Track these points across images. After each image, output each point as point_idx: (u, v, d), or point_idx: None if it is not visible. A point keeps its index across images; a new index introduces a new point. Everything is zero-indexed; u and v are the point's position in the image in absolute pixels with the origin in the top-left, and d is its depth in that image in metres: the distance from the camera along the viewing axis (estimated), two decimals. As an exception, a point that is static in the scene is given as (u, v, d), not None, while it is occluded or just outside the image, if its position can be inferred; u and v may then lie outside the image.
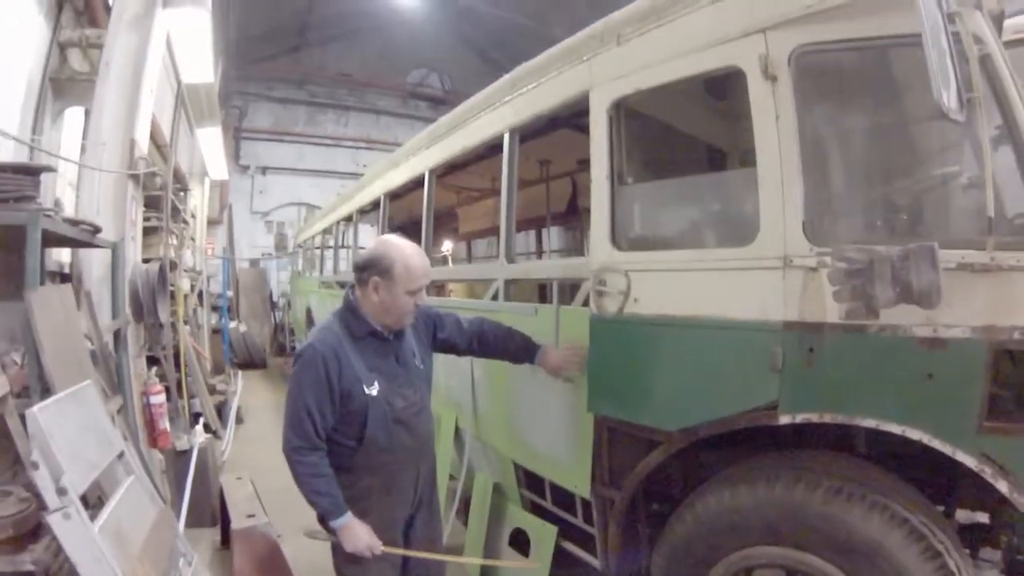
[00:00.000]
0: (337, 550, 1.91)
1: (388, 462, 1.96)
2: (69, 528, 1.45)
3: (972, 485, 1.76)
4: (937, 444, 1.51)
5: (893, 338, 1.54)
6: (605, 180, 2.20)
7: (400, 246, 1.90)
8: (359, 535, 1.84)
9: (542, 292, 4.70)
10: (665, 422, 1.95)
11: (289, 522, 3.68)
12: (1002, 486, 1.47)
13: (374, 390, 1.87)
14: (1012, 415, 1.48)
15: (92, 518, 1.60)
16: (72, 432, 1.73)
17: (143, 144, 4.46)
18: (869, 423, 1.60)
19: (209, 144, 8.39)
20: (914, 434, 1.53)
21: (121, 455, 2.02)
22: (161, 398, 3.77)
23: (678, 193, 2.41)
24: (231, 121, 13.25)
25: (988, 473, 1.48)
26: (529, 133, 2.89)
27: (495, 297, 2.92)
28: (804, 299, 1.65)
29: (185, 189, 9.26)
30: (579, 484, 2.29)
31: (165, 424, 3.76)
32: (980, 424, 1.47)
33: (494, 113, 2.93)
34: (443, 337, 2.18)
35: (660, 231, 2.46)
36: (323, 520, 1.90)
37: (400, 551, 1.98)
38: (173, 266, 7.28)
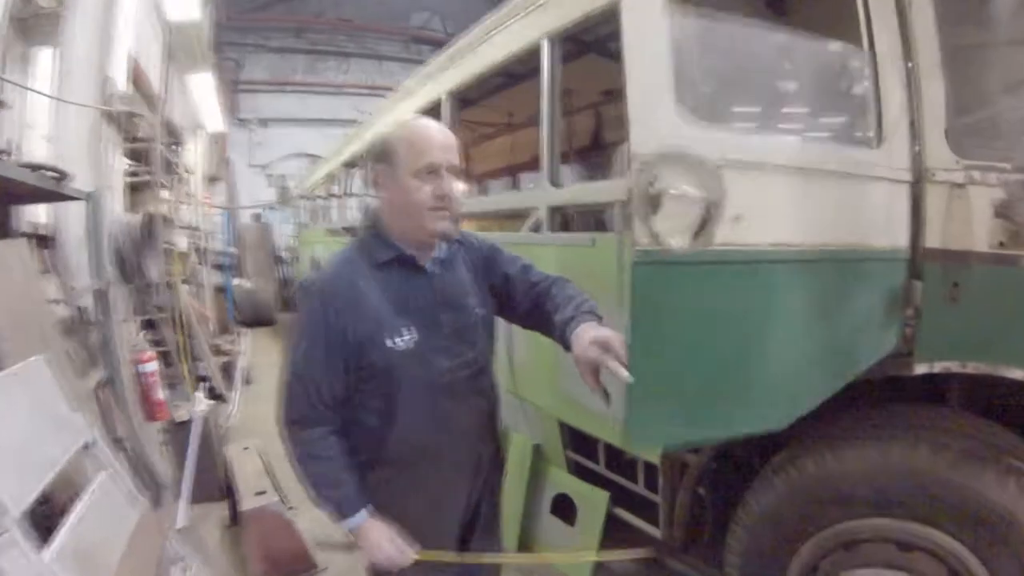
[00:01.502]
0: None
1: (429, 451, 1.40)
2: (10, 560, 1.10)
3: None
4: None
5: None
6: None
7: (406, 121, 1.39)
8: (380, 541, 1.33)
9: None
10: (771, 419, 1.49)
11: (303, 492, 3.45)
12: None
13: (404, 341, 1.31)
14: None
15: (48, 538, 1.25)
16: (19, 422, 1.38)
17: (120, 82, 4.04)
18: (1017, 374, 1.35)
19: (202, 91, 7.87)
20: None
21: (88, 445, 1.66)
22: (153, 366, 3.45)
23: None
24: (227, 75, 12.83)
25: None
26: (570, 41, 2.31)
27: (536, 229, 2.30)
28: (948, 223, 1.37)
29: (179, 143, 8.83)
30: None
31: (160, 394, 3.46)
32: None
33: (527, 19, 2.39)
34: (496, 282, 1.50)
35: (763, 103, 1.71)
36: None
37: (448, 557, 1.43)
38: (167, 222, 6.93)
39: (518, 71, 2.93)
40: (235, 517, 3.06)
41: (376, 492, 1.38)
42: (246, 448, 3.41)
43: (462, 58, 2.98)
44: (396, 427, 1.37)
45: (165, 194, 7.06)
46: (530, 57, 2.28)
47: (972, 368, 1.40)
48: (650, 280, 1.39)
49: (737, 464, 1.97)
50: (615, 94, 3.81)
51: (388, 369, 1.33)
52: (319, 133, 13.33)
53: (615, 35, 1.50)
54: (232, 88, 13.00)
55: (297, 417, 1.35)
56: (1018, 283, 1.33)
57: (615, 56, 1.54)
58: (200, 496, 3.35)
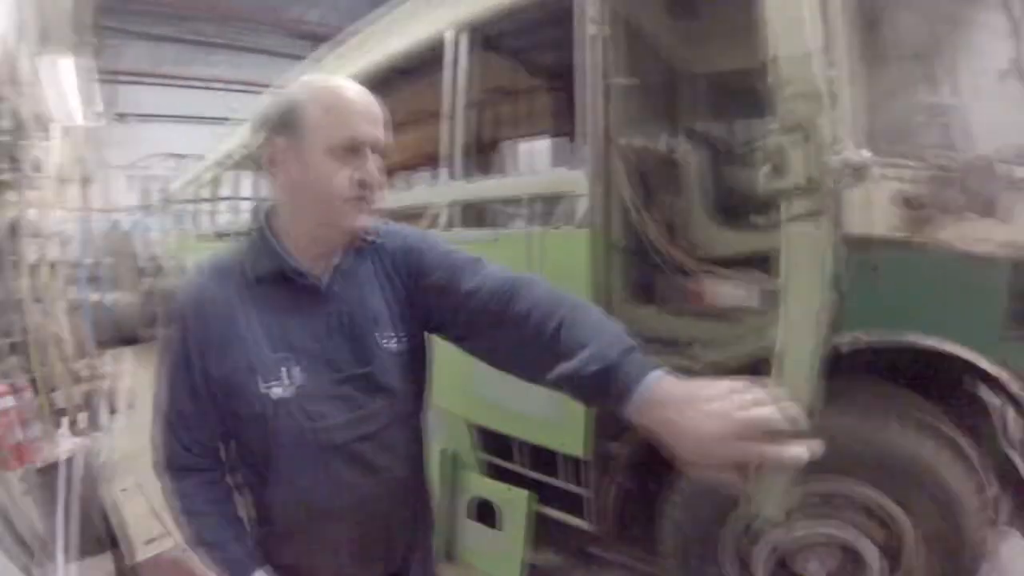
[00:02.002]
0: None
1: (319, 522, 1.11)
2: None
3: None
4: (965, 353, 1.58)
5: (938, 252, 1.55)
6: None
7: (311, 82, 1.06)
8: None
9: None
10: None
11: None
12: (1015, 388, 1.61)
13: (281, 386, 1.02)
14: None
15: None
16: None
17: None
18: (911, 339, 1.60)
19: (59, 79, 6.91)
20: (948, 347, 1.57)
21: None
22: (7, 402, 3.04)
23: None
24: (88, 61, 11.30)
25: (1006, 377, 1.60)
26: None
27: (432, 227, 2.38)
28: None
29: (28, 138, 7.73)
30: (570, 442, 2.08)
31: (19, 435, 3.05)
32: (1002, 333, 1.58)
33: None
34: (427, 297, 1.14)
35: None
36: None
37: None
38: (15, 230, 6.09)
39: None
40: (125, 571, 2.78)
41: (271, 552, 1.14)
42: (124, 489, 3.10)
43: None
44: (277, 490, 1.09)
45: (14, 197, 6.18)
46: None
47: (876, 335, 1.61)
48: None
49: (655, 458, 2.15)
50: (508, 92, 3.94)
51: (261, 420, 1.03)
52: (188, 131, 12.24)
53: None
54: (92, 77, 11.51)
55: (169, 464, 1.10)
56: (919, 264, 1.56)
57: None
58: (87, 551, 2.99)
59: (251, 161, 1.08)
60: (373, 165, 1.03)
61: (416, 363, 1.19)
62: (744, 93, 3.28)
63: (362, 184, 1.01)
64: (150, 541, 2.52)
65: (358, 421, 1.08)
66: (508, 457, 2.48)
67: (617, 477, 2.00)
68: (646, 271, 2.07)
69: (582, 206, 1.90)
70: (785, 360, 0.78)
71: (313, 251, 1.07)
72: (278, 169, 1.04)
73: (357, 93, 1.03)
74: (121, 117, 11.99)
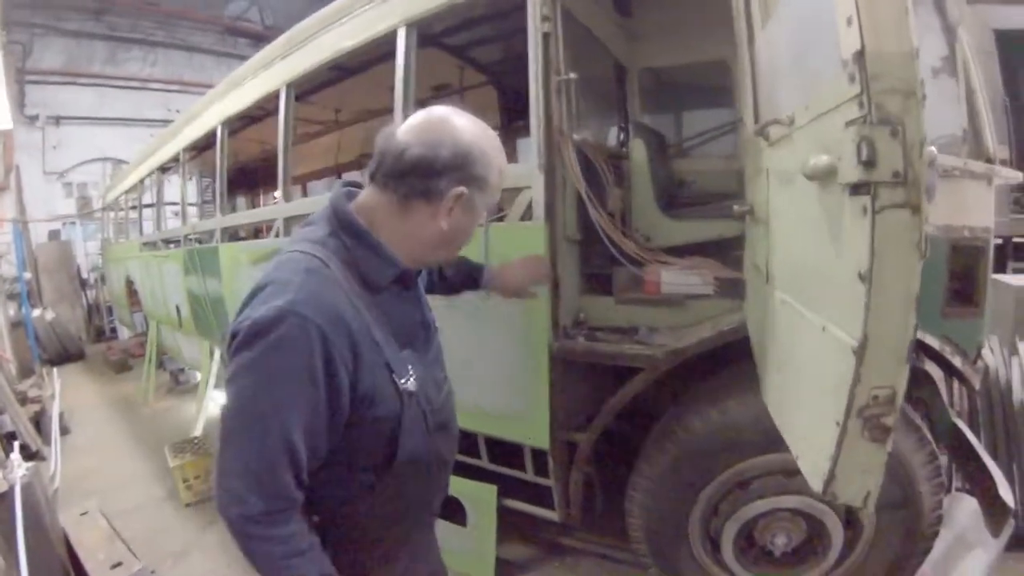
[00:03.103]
0: None
1: (419, 499, 1.22)
2: None
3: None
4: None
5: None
6: None
7: (485, 133, 1.09)
8: None
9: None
10: None
11: (163, 546, 3.12)
12: (957, 361, 1.75)
13: (409, 380, 1.08)
14: (962, 302, 1.73)
15: None
16: None
17: None
18: None
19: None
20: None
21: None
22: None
23: None
24: (12, 60, 10.51)
25: (948, 351, 1.74)
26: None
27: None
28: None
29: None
30: (534, 434, 2.12)
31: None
32: (943, 310, 1.70)
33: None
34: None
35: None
36: None
37: None
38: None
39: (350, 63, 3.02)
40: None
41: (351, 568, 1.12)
42: (84, 513, 3.00)
43: (307, 42, 2.95)
44: (391, 479, 1.11)
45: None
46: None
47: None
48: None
49: (617, 447, 2.23)
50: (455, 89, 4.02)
51: (394, 417, 1.06)
52: (124, 134, 11.67)
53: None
54: (18, 77, 10.67)
55: (269, 508, 0.95)
56: None
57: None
58: (37, 581, 2.88)
59: (416, 189, 1.08)
60: None
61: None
62: (688, 88, 3.43)
63: None
64: (115, 566, 2.45)
65: (445, 397, 1.25)
66: (473, 454, 2.51)
67: (582, 467, 2.06)
68: (602, 263, 2.15)
69: (536, 200, 1.96)
70: (874, 348, 0.84)
71: (414, 263, 1.14)
72: (448, 211, 1.06)
73: (503, 156, 1.13)
74: (55, 120, 11.36)
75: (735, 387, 1.80)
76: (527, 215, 2.00)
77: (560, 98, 1.91)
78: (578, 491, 2.09)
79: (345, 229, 1.07)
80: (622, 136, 3.25)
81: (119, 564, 2.43)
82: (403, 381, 1.07)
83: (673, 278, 2.06)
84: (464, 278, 1.65)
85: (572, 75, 1.89)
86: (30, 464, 3.51)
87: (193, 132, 4.71)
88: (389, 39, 2.38)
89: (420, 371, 1.12)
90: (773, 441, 1.62)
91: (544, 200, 1.92)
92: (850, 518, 1.79)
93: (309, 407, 0.95)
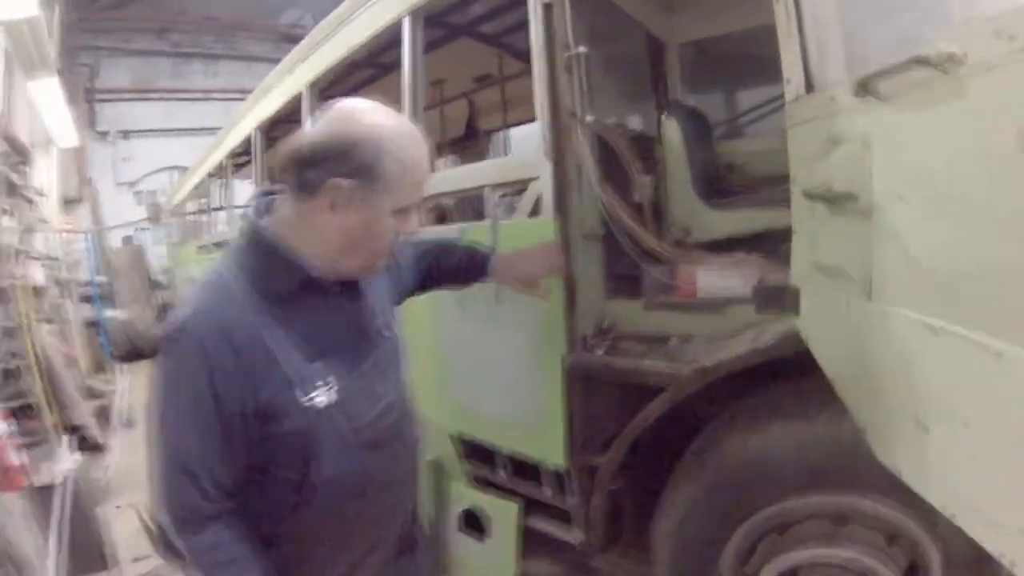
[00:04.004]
0: None
1: (363, 520, 1.16)
2: None
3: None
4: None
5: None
6: None
7: (386, 122, 1.01)
8: None
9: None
10: None
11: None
12: None
13: (323, 394, 1.02)
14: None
15: None
16: None
17: None
18: None
19: (47, 100, 6.97)
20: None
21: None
22: (4, 427, 3.02)
23: None
24: (81, 81, 11.42)
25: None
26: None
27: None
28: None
29: (25, 161, 7.81)
30: (550, 452, 1.91)
31: (13, 458, 3.02)
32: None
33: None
34: (413, 279, 1.44)
35: None
36: None
37: None
38: (15, 253, 6.14)
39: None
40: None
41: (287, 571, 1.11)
42: (119, 507, 3.06)
43: (325, 42, 2.88)
44: (313, 501, 1.07)
45: (7, 221, 6.22)
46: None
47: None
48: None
49: (647, 461, 1.98)
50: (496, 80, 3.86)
51: (304, 433, 1.01)
52: (189, 143, 12.25)
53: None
54: (88, 97, 11.62)
55: (189, 516, 0.99)
56: None
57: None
58: (81, 569, 2.96)
59: (280, 180, 0.98)
60: (415, 217, 1.08)
61: (403, 347, 1.27)
62: (737, 60, 3.07)
63: (403, 235, 1.08)
64: (138, 560, 2.47)
65: (382, 412, 1.13)
66: (492, 466, 2.33)
67: (602, 488, 1.82)
68: (630, 262, 1.89)
69: (544, 192, 1.75)
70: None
71: (332, 269, 1.06)
72: (330, 206, 0.99)
73: (422, 147, 1.04)
74: (124, 134, 12.12)
75: (780, 410, 1.51)
76: (537, 210, 1.79)
77: (572, 76, 1.70)
78: (599, 514, 1.87)
79: (247, 236, 1.06)
80: (655, 117, 2.96)
81: (141, 558, 2.44)
82: (307, 397, 1.01)
83: (711, 279, 1.76)
84: (468, 267, 1.55)
85: (582, 49, 1.66)
86: (78, 457, 3.66)
87: (233, 139, 4.86)
88: (394, 30, 2.25)
89: (344, 383, 1.06)
90: (824, 477, 1.40)
91: (553, 191, 1.70)
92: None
93: (202, 424, 0.96)
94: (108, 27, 11.60)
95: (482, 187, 1.96)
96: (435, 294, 1.72)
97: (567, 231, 1.72)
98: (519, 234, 1.83)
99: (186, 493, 0.98)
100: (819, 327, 1.27)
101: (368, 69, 3.23)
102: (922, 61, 0.80)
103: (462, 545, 2.40)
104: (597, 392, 1.81)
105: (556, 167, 1.69)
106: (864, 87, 0.98)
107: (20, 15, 4.62)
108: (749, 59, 2.92)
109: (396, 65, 3.07)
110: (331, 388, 1.03)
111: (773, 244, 1.80)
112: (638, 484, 1.91)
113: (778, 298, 1.38)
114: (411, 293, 1.47)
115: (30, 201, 6.71)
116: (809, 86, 1.22)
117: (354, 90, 3.80)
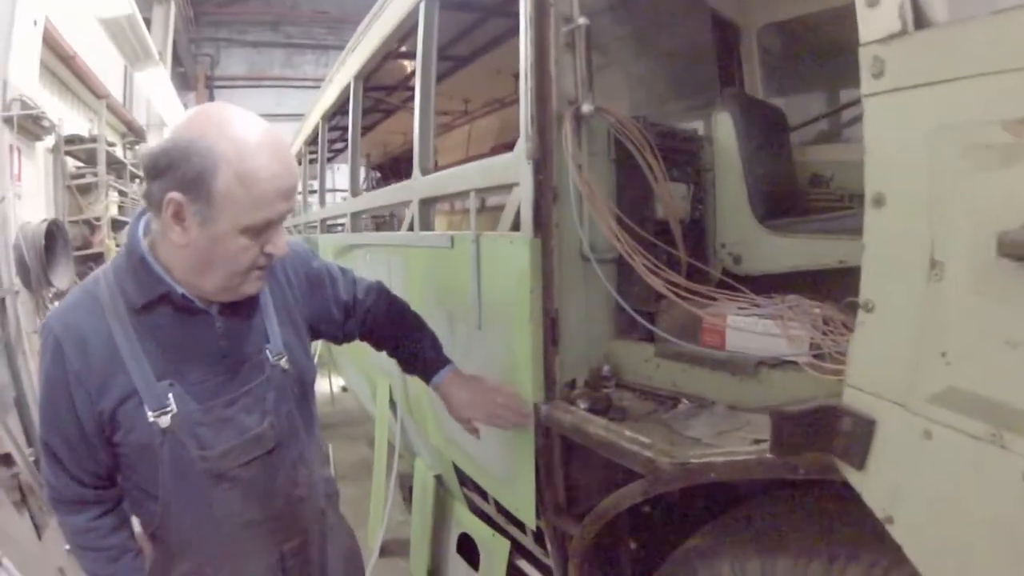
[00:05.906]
0: None
1: (214, 548, 1.09)
2: None
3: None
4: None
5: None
6: None
7: (229, 131, 0.91)
8: None
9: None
10: None
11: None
12: None
13: (167, 415, 0.99)
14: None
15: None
16: None
17: (20, 84, 3.76)
18: None
19: (154, 87, 7.55)
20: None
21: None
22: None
23: None
24: (202, 70, 12.78)
25: None
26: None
27: (411, 228, 2.16)
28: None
29: (140, 141, 8.56)
30: (522, 508, 1.60)
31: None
32: None
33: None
34: (321, 312, 1.27)
35: None
36: None
37: None
38: (119, 225, 6.69)
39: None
40: None
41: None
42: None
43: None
44: (166, 522, 1.06)
45: (113, 195, 6.77)
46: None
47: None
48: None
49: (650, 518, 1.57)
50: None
51: (150, 450, 1.00)
52: (297, 128, 13.14)
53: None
54: (208, 84, 12.84)
55: (59, 497, 1.07)
56: None
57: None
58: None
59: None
60: (282, 236, 1.01)
61: (305, 382, 1.21)
62: (830, 45, 2.43)
63: (268, 256, 1.01)
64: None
65: (244, 446, 1.07)
66: (486, 498, 2.07)
67: (577, 559, 1.41)
68: (643, 292, 1.48)
69: (524, 202, 1.35)
70: None
71: (195, 289, 1.02)
72: (173, 220, 0.93)
73: (274, 158, 0.94)
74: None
75: (791, 536, 1.05)
76: (519, 223, 1.42)
77: (574, 54, 1.32)
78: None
79: (125, 248, 1.04)
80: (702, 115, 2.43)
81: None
82: (154, 413, 0.99)
83: (746, 327, 1.32)
84: (414, 362, 1.41)
85: (582, 21, 1.27)
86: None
87: (305, 129, 5.02)
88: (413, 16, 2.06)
89: (193, 408, 1.02)
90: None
91: (532, 200, 1.32)
92: None
93: (64, 420, 1.00)
94: (227, 20, 12.74)
95: (468, 192, 1.64)
96: (428, 312, 1.49)
97: (549, 251, 1.34)
98: (495, 253, 1.49)
99: (58, 477, 1.05)
100: (914, 503, 0.73)
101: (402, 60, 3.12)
102: None
103: (456, 568, 2.28)
104: (579, 448, 1.42)
105: (537, 170, 1.31)
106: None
107: (116, 13, 4.98)
108: (850, 45, 2.32)
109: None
110: (178, 410, 1.00)
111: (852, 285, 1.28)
112: (622, 558, 1.49)
113: (819, 431, 0.83)
114: (342, 327, 1.35)
115: (138, 177, 7.30)
116: (920, 18, 0.70)
117: (394, 84, 3.82)
